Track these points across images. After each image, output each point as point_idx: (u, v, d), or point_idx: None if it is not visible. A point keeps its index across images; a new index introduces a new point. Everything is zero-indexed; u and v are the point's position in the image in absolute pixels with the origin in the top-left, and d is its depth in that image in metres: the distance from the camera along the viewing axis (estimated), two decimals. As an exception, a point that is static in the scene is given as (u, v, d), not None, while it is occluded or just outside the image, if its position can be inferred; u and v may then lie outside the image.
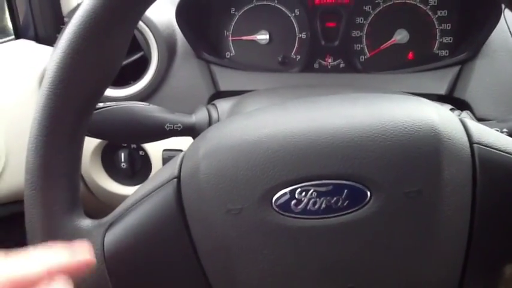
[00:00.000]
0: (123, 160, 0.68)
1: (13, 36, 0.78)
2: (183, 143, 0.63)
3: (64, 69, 0.33)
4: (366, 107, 0.35)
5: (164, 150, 0.66)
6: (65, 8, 0.77)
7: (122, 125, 0.47)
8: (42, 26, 0.76)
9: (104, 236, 0.36)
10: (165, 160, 0.66)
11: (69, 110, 0.34)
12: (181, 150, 0.66)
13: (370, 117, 0.33)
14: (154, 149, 0.67)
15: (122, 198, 0.69)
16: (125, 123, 0.47)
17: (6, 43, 0.75)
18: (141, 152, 0.69)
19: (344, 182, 0.32)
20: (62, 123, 0.34)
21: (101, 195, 0.71)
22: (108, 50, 0.35)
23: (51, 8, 0.76)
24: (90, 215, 0.62)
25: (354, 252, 0.33)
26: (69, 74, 0.33)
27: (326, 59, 0.70)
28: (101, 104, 0.46)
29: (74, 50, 0.33)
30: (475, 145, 0.34)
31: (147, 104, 0.49)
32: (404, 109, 0.34)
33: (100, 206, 0.72)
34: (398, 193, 0.32)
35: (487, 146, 0.34)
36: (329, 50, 0.69)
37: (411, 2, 0.67)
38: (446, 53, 0.67)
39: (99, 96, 0.37)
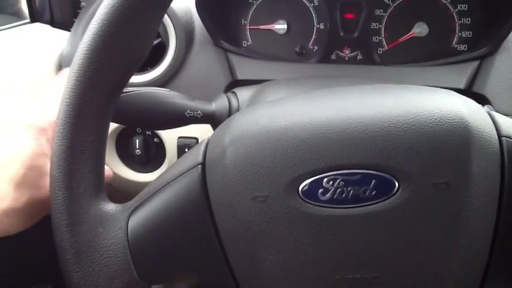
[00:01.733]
0: (137, 147, 0.68)
1: (28, 20, 0.78)
2: (198, 130, 0.63)
3: (95, 51, 0.33)
4: (395, 97, 0.35)
5: (179, 137, 0.66)
6: (82, -7, 0.77)
7: (143, 111, 0.47)
8: (58, 10, 0.76)
9: (128, 220, 0.36)
10: (180, 147, 0.66)
11: (98, 93, 0.34)
12: (196, 138, 0.66)
13: (399, 108, 0.33)
14: (169, 136, 0.67)
15: (135, 184, 0.70)
16: (146, 109, 0.47)
17: (21, 26, 0.75)
18: (155, 139, 0.68)
19: (372, 171, 0.32)
20: (90, 105, 0.34)
21: (114, 181, 0.71)
22: (140, 34, 0.35)
23: (67, -8, 0.76)
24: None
25: (380, 243, 0.33)
26: (99, 56, 0.33)
27: (344, 51, 0.69)
28: None
29: (105, 33, 0.33)
30: (503, 138, 0.34)
31: (168, 90, 0.49)
32: (433, 100, 0.34)
33: (112, 192, 0.72)
34: (426, 184, 0.32)
35: None
36: (347, 42, 0.69)
37: None
38: (464, 47, 0.67)
39: (127, 79, 0.37)
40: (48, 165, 0.39)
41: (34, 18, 0.77)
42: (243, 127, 0.35)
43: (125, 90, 0.47)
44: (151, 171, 0.71)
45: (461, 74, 0.62)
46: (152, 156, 0.69)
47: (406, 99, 0.34)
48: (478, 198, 0.33)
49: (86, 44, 0.33)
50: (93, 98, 0.34)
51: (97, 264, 0.36)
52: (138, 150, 0.68)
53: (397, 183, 0.32)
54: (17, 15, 0.79)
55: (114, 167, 0.71)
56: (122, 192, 0.71)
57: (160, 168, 0.70)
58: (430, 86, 0.59)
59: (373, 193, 0.32)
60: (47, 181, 0.38)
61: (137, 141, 0.68)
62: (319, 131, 0.33)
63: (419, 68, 0.65)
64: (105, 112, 0.36)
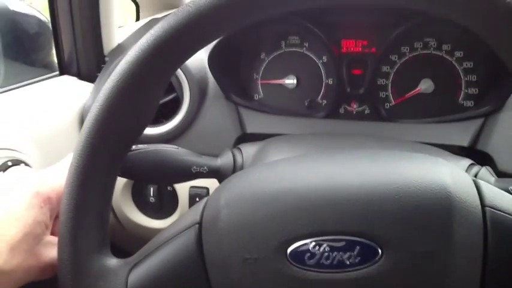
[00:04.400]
0: (152, 195, 0.71)
1: (57, 72, 0.83)
2: (209, 181, 0.66)
3: (100, 121, 0.36)
4: (382, 165, 0.36)
5: (191, 187, 0.68)
6: (107, 47, 0.82)
7: (151, 167, 0.49)
8: (84, 64, 0.81)
9: (128, 276, 0.38)
10: (191, 196, 0.68)
11: (103, 158, 0.37)
12: (206, 188, 0.68)
13: (384, 177, 0.35)
14: (182, 186, 0.69)
15: (149, 230, 0.72)
16: (154, 166, 0.49)
17: (51, 79, 0.81)
18: (169, 188, 0.71)
19: (356, 238, 0.33)
20: (96, 170, 0.37)
21: (129, 227, 0.74)
22: (142, 105, 0.38)
23: (93, 46, 0.81)
24: (119, 246, 0.64)
25: None
26: (104, 126, 0.36)
27: (351, 105, 0.72)
28: (133, 147, 0.49)
29: (110, 105, 0.36)
30: (487, 208, 0.34)
31: (176, 147, 0.52)
32: (418, 170, 0.35)
33: (128, 238, 0.75)
34: (409, 252, 0.33)
35: (500, 210, 0.34)
36: (355, 97, 0.71)
37: (437, 53, 0.68)
38: (471, 103, 0.68)
39: (132, 143, 0.40)
40: (45, 235, 0.41)
41: (63, 71, 0.83)
42: (237, 190, 0.37)
43: (136, 148, 0.50)
44: (165, 217, 0.73)
45: (466, 131, 0.63)
46: (166, 204, 0.72)
47: (393, 167, 0.36)
48: (461, 268, 0.33)
49: (93, 114, 0.36)
50: (98, 162, 0.37)
51: None
52: (152, 198, 0.71)
53: (380, 251, 0.33)
54: (49, 68, 0.85)
55: (129, 213, 0.74)
56: (136, 237, 0.74)
57: (173, 215, 0.73)
58: (435, 143, 0.60)
59: (357, 259, 0.33)
60: (40, 250, 0.41)
61: (152, 189, 0.71)
62: (307, 197, 0.35)
63: (425, 125, 0.66)
64: (109, 174, 0.39)
